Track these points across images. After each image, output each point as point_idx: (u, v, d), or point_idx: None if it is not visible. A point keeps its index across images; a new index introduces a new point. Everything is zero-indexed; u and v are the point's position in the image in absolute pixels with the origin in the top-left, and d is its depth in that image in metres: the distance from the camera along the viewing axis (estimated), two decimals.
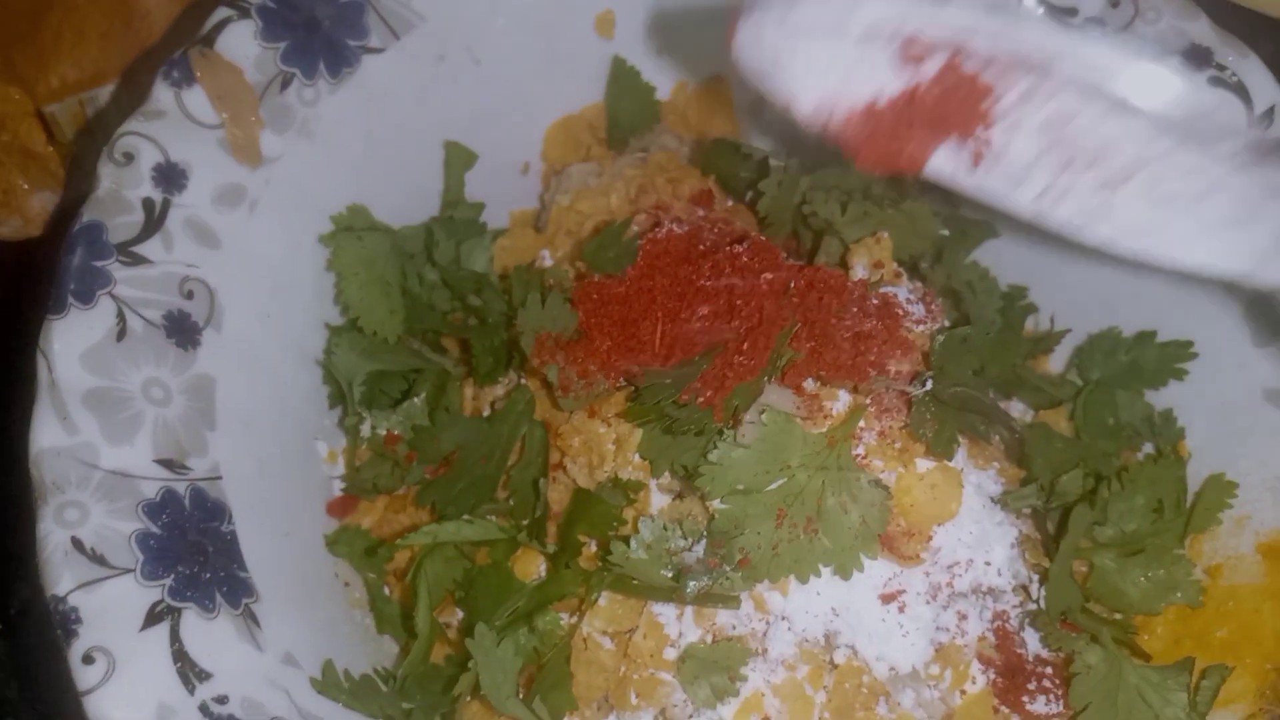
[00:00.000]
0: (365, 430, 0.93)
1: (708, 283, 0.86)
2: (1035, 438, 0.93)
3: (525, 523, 0.89)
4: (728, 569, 0.80)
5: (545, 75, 1.04)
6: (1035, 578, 0.90)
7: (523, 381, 0.94)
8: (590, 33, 1.04)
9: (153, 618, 0.72)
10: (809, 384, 0.84)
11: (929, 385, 0.85)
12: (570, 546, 0.86)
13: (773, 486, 0.79)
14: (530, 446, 0.90)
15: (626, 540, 0.82)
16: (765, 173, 0.98)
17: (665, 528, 0.82)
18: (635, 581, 0.83)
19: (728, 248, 0.89)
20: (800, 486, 0.79)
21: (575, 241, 0.98)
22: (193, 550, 0.75)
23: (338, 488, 0.96)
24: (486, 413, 0.95)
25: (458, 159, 1.01)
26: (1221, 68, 0.92)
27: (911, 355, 0.87)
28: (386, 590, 0.94)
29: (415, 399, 0.95)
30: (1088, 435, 0.98)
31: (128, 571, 0.72)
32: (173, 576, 0.73)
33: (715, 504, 0.80)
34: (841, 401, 0.84)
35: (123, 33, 1.09)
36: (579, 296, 0.88)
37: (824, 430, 0.82)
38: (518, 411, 0.91)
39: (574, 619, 0.86)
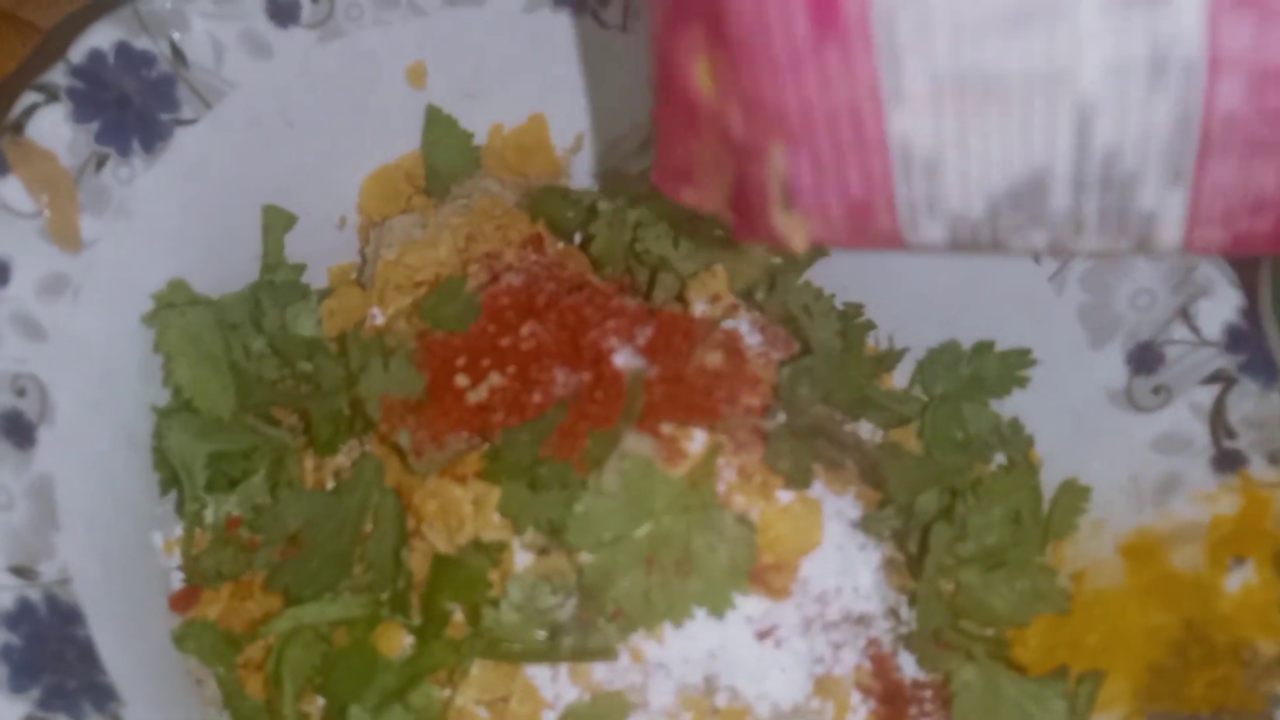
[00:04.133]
0: (209, 516, 0.96)
1: (554, 335, 0.92)
2: (887, 459, 1.00)
3: (385, 596, 0.93)
4: (602, 622, 0.86)
5: (358, 129, 1.09)
6: (904, 599, 0.97)
7: (367, 449, 0.98)
8: (402, 84, 1.09)
9: None
10: (665, 427, 0.90)
11: (780, 418, 0.92)
12: (436, 617, 0.90)
13: (640, 533, 0.86)
14: (384, 516, 0.94)
15: (496, 603, 0.87)
16: (594, 215, 1.04)
17: (534, 586, 0.87)
18: (509, 645, 0.88)
19: (568, 297, 0.94)
20: (667, 530, 0.86)
21: (409, 298, 1.02)
22: (55, 659, 0.79)
23: (178, 580, 0.99)
24: (331, 484, 0.99)
25: (276, 222, 1.06)
26: None
27: (761, 389, 0.93)
28: (239, 684, 0.97)
29: (254, 477, 0.98)
30: (937, 451, 1.05)
31: None
32: (39, 688, 0.77)
33: (584, 557, 0.86)
34: (697, 441, 0.90)
35: None
36: (423, 357, 0.93)
37: (684, 472, 0.88)
38: (366, 481, 0.95)
39: (447, 692, 0.90)
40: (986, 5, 0.62)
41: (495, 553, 0.90)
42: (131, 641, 0.87)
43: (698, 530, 0.86)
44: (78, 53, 0.91)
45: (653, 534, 0.85)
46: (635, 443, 0.88)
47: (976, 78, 0.64)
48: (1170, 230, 0.70)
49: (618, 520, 0.85)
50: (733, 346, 0.95)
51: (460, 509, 0.92)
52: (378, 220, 1.12)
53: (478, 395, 0.92)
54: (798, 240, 0.74)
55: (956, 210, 0.71)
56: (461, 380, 0.93)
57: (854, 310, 1.11)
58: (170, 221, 0.97)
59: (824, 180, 0.71)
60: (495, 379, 0.92)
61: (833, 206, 0.72)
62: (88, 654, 0.81)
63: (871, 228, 0.73)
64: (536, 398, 0.91)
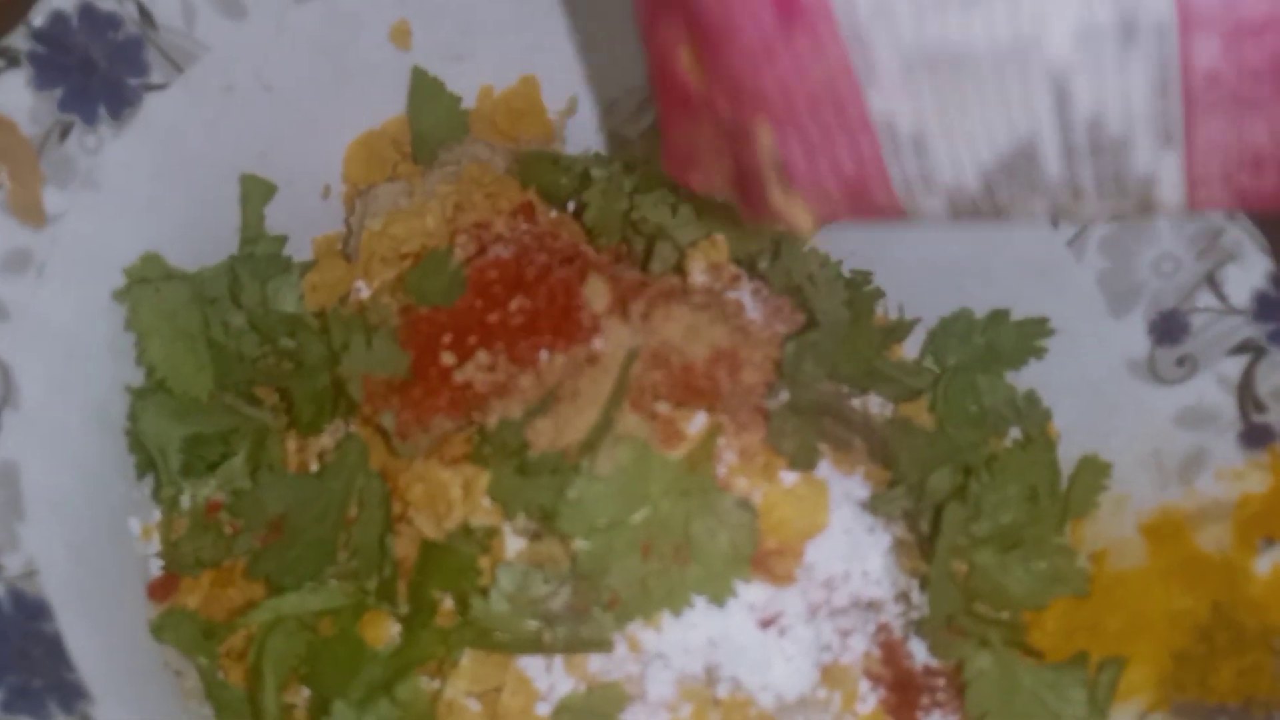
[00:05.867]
0: (185, 501, 0.94)
1: (544, 310, 0.89)
2: (897, 435, 0.98)
3: (371, 584, 0.91)
4: (597, 611, 0.84)
5: (341, 93, 1.07)
6: (915, 583, 0.94)
7: (352, 429, 0.95)
8: (386, 45, 1.07)
9: None
10: (661, 407, 0.87)
11: (784, 396, 0.89)
12: (424, 605, 0.88)
13: (636, 518, 0.83)
14: (369, 501, 0.92)
15: (486, 592, 0.85)
16: (587, 183, 1.02)
17: (526, 574, 0.85)
18: (500, 635, 0.85)
19: (559, 270, 0.92)
20: (664, 515, 0.84)
21: (395, 270, 1.00)
22: (19, 657, 0.77)
23: (156, 567, 0.97)
24: (314, 467, 0.97)
25: (255, 192, 1.03)
26: None
27: (763, 365, 0.91)
28: (221, 675, 0.95)
29: (233, 460, 0.96)
30: (951, 425, 1.03)
31: None
32: (2, 689, 0.75)
33: (578, 544, 0.84)
34: (696, 422, 0.88)
35: None
36: (408, 334, 0.90)
37: (682, 454, 0.85)
38: (350, 464, 0.93)
39: (435, 683, 0.88)
40: None
41: (485, 539, 0.88)
42: (104, 635, 0.85)
43: (697, 515, 0.84)
44: (39, 15, 0.88)
45: (649, 519, 0.83)
46: (629, 424, 0.85)
47: (943, 54, 0.63)
48: (1171, 192, 0.68)
49: (612, 505, 0.83)
50: (734, 320, 0.92)
51: (448, 493, 0.89)
52: (363, 188, 1.10)
53: (464, 374, 0.90)
54: (802, 220, 0.73)
55: (951, 184, 0.69)
56: (447, 358, 0.90)
57: (862, 278, 1.09)
58: (141, 192, 0.94)
59: (816, 160, 0.70)
60: (483, 357, 0.90)
61: (829, 185, 0.71)
62: (55, 650, 0.79)
63: (871, 203, 0.72)
64: (526, 377, 0.88)
